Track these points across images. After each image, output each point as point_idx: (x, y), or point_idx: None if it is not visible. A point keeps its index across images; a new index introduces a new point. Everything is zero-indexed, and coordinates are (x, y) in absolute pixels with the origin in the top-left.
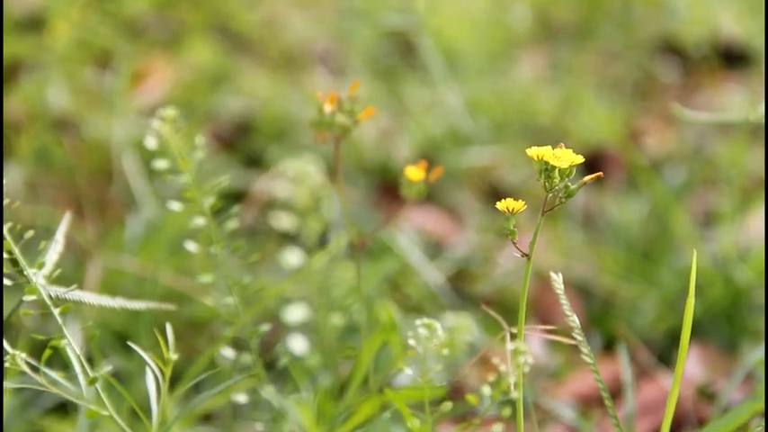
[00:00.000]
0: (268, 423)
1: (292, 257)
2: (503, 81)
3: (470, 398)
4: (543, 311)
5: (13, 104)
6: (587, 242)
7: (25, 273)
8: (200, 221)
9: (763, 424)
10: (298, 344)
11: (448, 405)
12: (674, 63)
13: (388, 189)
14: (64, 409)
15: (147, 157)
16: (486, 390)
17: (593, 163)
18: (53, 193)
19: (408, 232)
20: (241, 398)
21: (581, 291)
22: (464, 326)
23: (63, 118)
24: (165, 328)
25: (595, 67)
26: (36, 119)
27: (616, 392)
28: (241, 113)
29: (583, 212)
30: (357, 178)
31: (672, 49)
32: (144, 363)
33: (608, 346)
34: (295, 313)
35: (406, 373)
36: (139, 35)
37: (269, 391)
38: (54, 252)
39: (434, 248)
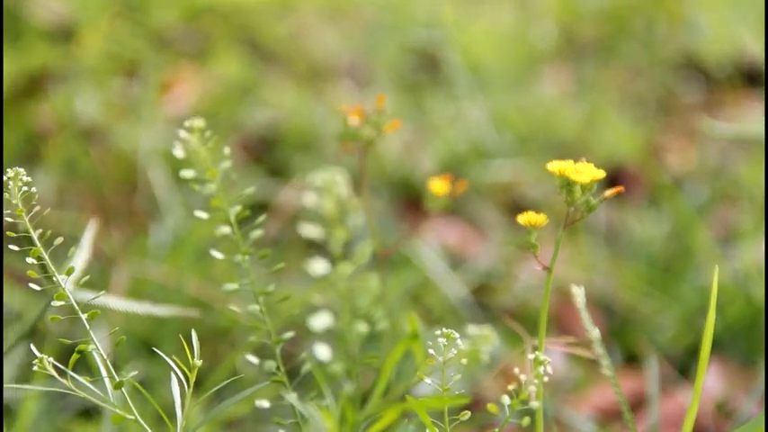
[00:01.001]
0: (291, 429)
1: (318, 266)
2: (527, 96)
3: (491, 407)
4: (564, 326)
5: (42, 114)
6: (609, 258)
7: (54, 278)
8: (225, 230)
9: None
10: (322, 351)
11: (467, 414)
12: (697, 81)
13: (411, 202)
14: (88, 414)
15: (173, 166)
16: (506, 399)
17: (615, 179)
18: (80, 200)
19: (431, 244)
20: (264, 403)
21: (602, 306)
22: (485, 336)
23: (91, 127)
24: (189, 334)
25: (618, 84)
26: (64, 128)
27: (636, 407)
28: (267, 125)
29: (604, 228)
30: (381, 190)
31: (695, 67)
32: (168, 369)
33: (628, 361)
34: (320, 321)
35: (428, 383)
36: (167, 46)
37: (292, 397)
38: (81, 258)
39: (456, 261)
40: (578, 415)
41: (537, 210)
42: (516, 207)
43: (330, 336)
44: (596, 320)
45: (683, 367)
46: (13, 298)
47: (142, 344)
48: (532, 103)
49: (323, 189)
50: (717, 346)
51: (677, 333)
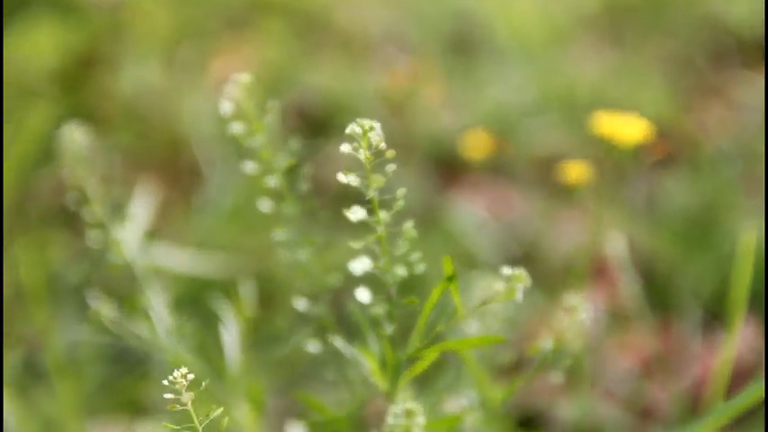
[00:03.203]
0: (336, 371)
1: (357, 212)
2: (568, 61)
3: (530, 348)
4: (603, 286)
5: (96, 83)
6: (648, 220)
7: (110, 233)
8: (272, 181)
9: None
10: (363, 294)
11: (507, 355)
12: (739, 48)
13: (450, 161)
14: (138, 370)
15: (222, 128)
16: (546, 343)
17: (656, 144)
18: (131, 161)
19: (469, 203)
20: (313, 347)
21: (641, 265)
22: (519, 276)
23: (144, 91)
24: (240, 285)
25: (658, 51)
26: (119, 93)
27: (673, 358)
28: (309, 90)
29: (644, 191)
30: (420, 151)
31: (734, 35)
32: (218, 320)
33: (666, 315)
34: (360, 265)
35: (467, 325)
36: (213, 16)
37: (337, 340)
38: (138, 215)
39: (495, 221)
40: (618, 364)
41: (578, 169)
42: (557, 166)
43: (372, 281)
44: (635, 277)
45: (721, 320)
46: (67, 254)
47: (191, 300)
48: (575, 67)
49: (358, 137)
50: (755, 301)
51: (715, 288)
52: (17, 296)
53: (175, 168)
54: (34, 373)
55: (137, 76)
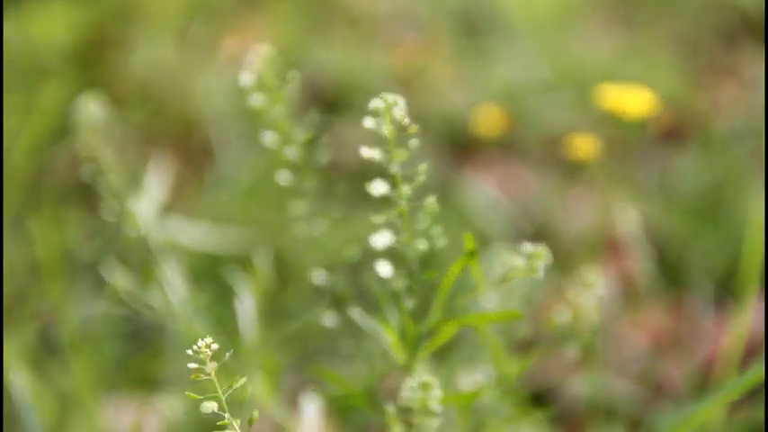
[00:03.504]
0: (354, 344)
1: (378, 187)
2: (579, 40)
3: (546, 323)
4: (615, 263)
5: (111, 59)
6: (659, 198)
7: (127, 207)
8: (291, 152)
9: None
10: (383, 268)
11: (522, 330)
12: (750, 27)
13: (461, 139)
14: (153, 346)
15: (235, 105)
16: (561, 316)
17: (664, 117)
18: (145, 139)
19: (481, 180)
20: (329, 320)
21: (653, 243)
22: (539, 253)
23: (156, 70)
24: (256, 259)
25: (670, 30)
26: (131, 72)
27: (686, 334)
28: (319, 69)
29: (655, 169)
30: (431, 128)
31: (747, 13)
32: (234, 294)
33: (679, 291)
34: (381, 239)
35: (484, 300)
36: None
37: (356, 312)
38: (153, 188)
39: (506, 199)
40: (631, 341)
41: (590, 144)
42: (567, 142)
43: (392, 255)
44: (648, 253)
45: (733, 297)
46: (84, 228)
47: (206, 274)
48: (585, 46)
49: (382, 112)
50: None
51: (727, 265)
52: (32, 272)
53: (189, 146)
54: (49, 349)
55: (149, 54)
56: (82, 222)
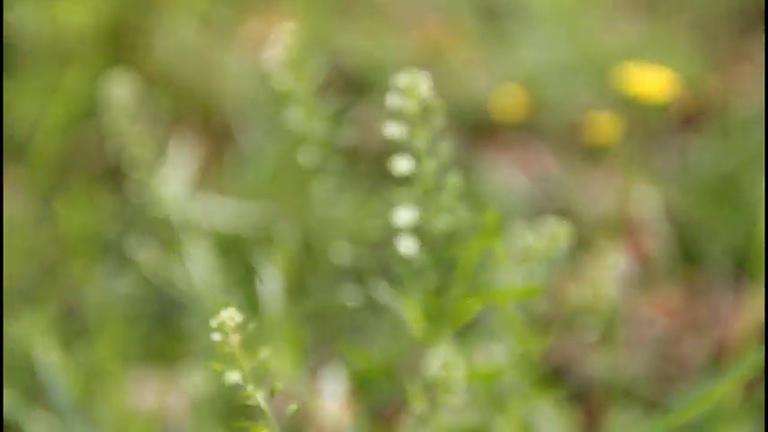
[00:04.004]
0: (376, 321)
1: (402, 164)
2: (599, 25)
3: (565, 302)
4: (634, 243)
5: (135, 41)
6: (678, 180)
7: (153, 185)
8: (315, 130)
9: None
10: (407, 244)
11: (543, 307)
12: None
13: (481, 121)
14: (177, 323)
15: (258, 89)
16: (580, 296)
17: (685, 100)
18: (169, 121)
19: (501, 162)
20: (352, 296)
21: (672, 224)
22: (562, 230)
23: (179, 52)
24: (279, 235)
25: (689, 16)
26: (155, 55)
27: (704, 318)
28: (344, 52)
29: (674, 151)
30: (453, 109)
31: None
32: (257, 271)
33: (697, 269)
34: (404, 215)
35: (506, 277)
36: None
37: (379, 288)
38: (178, 167)
39: (526, 181)
40: (648, 321)
41: (610, 125)
42: (588, 126)
43: (416, 231)
44: (666, 234)
45: (751, 278)
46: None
47: (231, 251)
48: (604, 33)
49: (406, 90)
50: None
51: (745, 246)
52: (59, 251)
53: (212, 128)
54: (75, 326)
55: (173, 38)
56: (108, 202)
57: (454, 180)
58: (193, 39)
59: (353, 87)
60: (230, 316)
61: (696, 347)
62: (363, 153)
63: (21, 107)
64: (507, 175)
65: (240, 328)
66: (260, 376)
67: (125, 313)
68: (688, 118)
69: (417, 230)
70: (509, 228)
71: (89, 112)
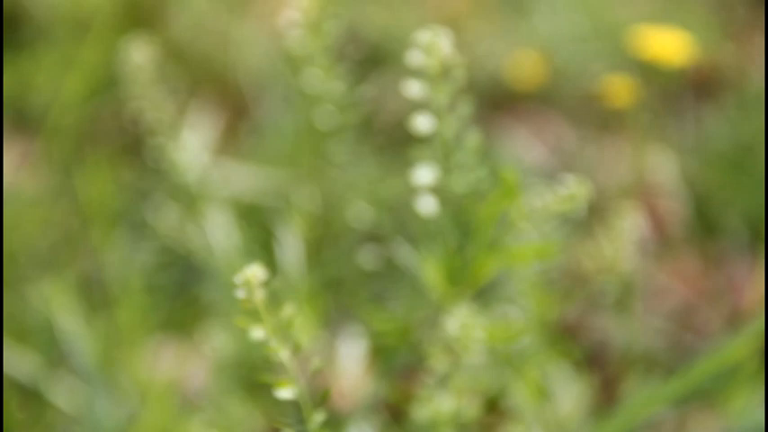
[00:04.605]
0: (395, 282)
1: (422, 122)
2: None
3: (582, 265)
4: (651, 211)
5: (151, 18)
6: (694, 149)
7: (172, 152)
8: (335, 87)
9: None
10: (426, 202)
11: (561, 267)
12: None
13: (498, 90)
14: (196, 290)
15: (278, 55)
16: (597, 261)
17: (702, 74)
18: (186, 89)
19: (517, 130)
20: (370, 258)
21: (688, 192)
22: (581, 187)
23: (194, 27)
24: (298, 200)
25: None
26: (170, 31)
27: (721, 287)
28: (360, 22)
29: (691, 121)
30: (470, 77)
31: None
32: (277, 237)
33: (713, 238)
34: (424, 174)
35: (524, 238)
36: None
37: (398, 247)
38: (198, 135)
39: (542, 149)
40: (665, 289)
41: (626, 90)
42: (604, 93)
43: (435, 191)
44: (683, 201)
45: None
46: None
47: (249, 219)
48: (621, 5)
49: (427, 47)
50: None
51: (763, 216)
52: (79, 220)
53: (229, 100)
54: (95, 294)
55: (188, 9)
56: (127, 172)
57: (474, 138)
58: (209, 10)
59: (370, 60)
60: (255, 273)
61: (712, 315)
62: (379, 124)
63: (39, 80)
64: (524, 144)
65: (264, 285)
66: (284, 334)
67: (145, 281)
68: (704, 87)
69: (436, 190)
70: (527, 190)
71: (107, 84)
